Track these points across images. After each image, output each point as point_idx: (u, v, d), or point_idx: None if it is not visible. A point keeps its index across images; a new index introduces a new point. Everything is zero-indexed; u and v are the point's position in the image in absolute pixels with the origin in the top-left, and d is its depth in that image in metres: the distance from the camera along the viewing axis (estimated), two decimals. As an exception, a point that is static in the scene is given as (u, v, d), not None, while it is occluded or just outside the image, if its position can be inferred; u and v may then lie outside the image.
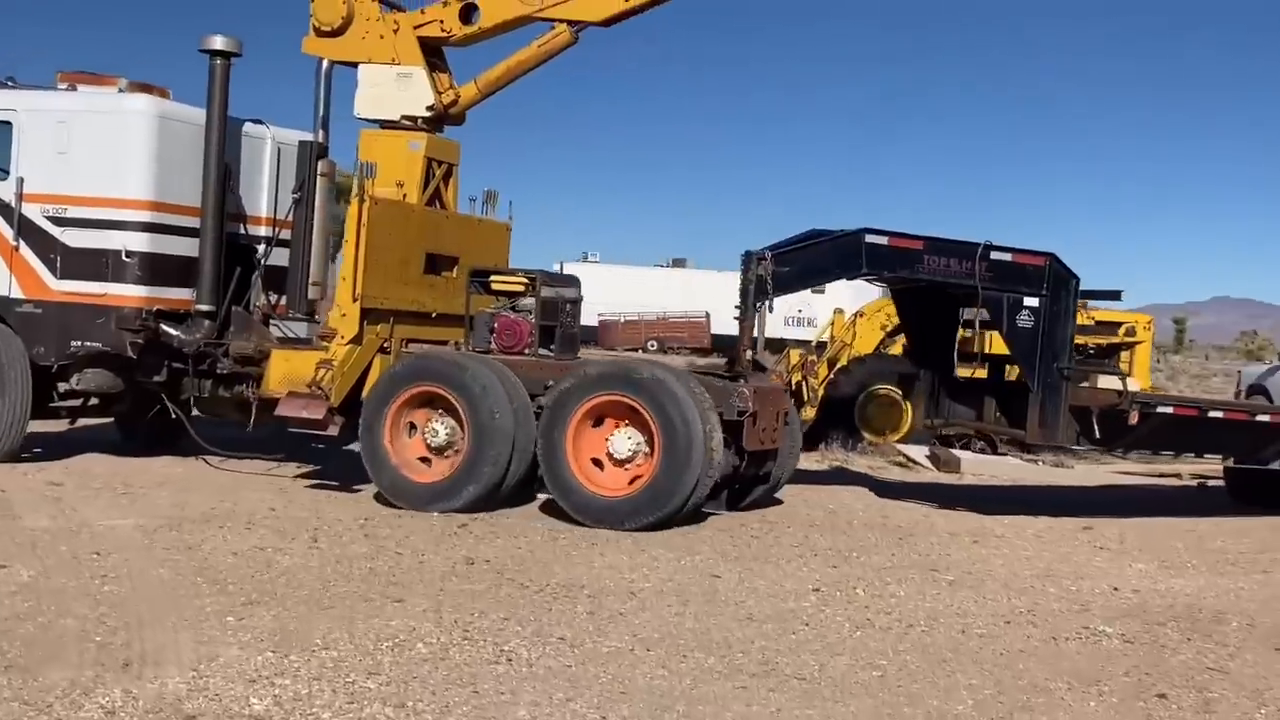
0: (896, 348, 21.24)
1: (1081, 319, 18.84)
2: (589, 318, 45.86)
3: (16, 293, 12.58)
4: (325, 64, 12.76)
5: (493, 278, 12.36)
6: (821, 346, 23.94)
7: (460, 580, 8.48)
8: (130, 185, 12.40)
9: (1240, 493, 15.43)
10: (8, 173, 12.62)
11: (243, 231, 13.25)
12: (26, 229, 12.53)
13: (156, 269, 12.48)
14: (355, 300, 11.80)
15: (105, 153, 12.41)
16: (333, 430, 11.84)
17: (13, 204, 12.54)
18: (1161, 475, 19.34)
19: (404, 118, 12.67)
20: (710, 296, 51.68)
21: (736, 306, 12.17)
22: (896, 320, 21.49)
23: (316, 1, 12.64)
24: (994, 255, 12.33)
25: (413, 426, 11.49)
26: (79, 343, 12.41)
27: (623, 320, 58.15)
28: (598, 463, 11.13)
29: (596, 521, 10.73)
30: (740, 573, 9.35)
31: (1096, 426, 12.44)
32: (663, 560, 9.59)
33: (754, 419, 11.17)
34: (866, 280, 15.04)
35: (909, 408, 19.70)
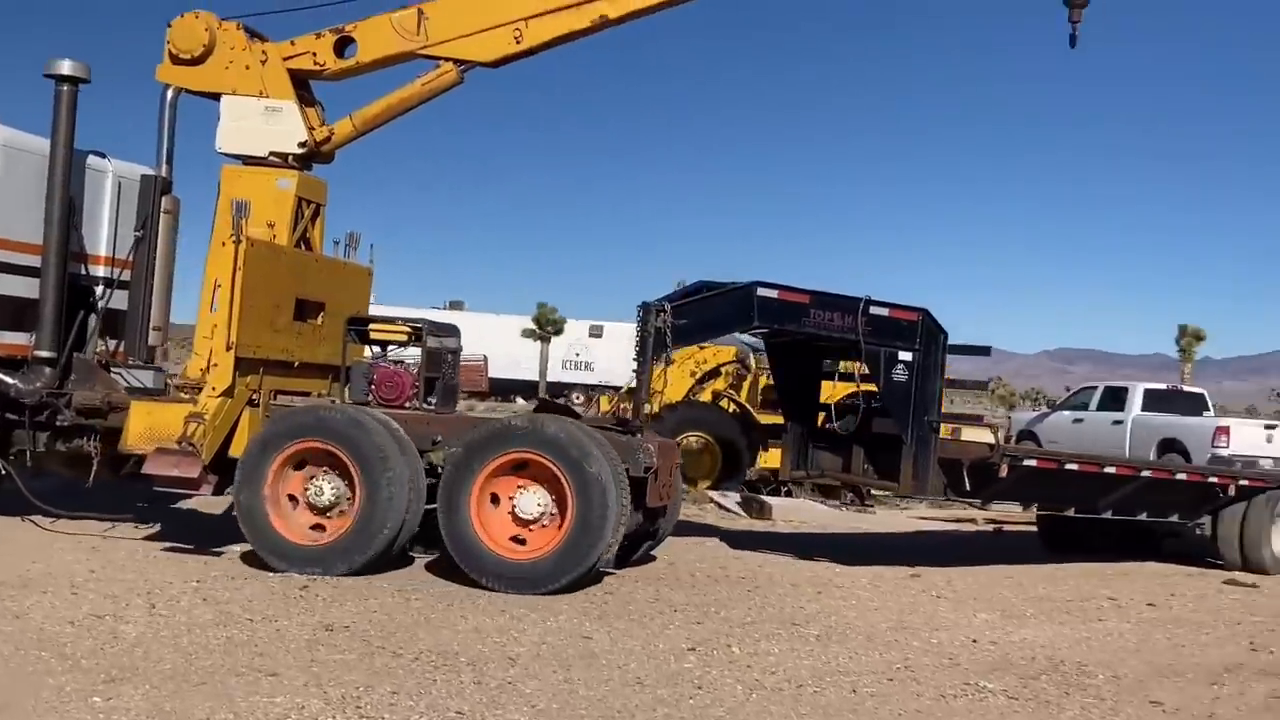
0: (706, 394, 21.42)
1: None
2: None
3: None
4: (170, 93, 11.87)
5: (371, 326, 11.74)
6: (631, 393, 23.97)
7: (328, 650, 7.93)
8: None
9: (1052, 539, 16.06)
10: None
11: (83, 272, 12.14)
12: None
13: None
14: (229, 349, 10.92)
15: None
16: (206, 489, 11.00)
17: None
18: (959, 521, 20.01)
19: (272, 154, 11.82)
20: (487, 340, 51.20)
21: (635, 359, 11.85)
22: (706, 367, 21.72)
23: (174, 27, 11.77)
24: (873, 310, 12.52)
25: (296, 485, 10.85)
26: None
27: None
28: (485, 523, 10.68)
29: (509, 587, 10.23)
30: (609, 632, 9.08)
31: (967, 478, 12.72)
32: (527, 621, 9.23)
33: (654, 475, 10.91)
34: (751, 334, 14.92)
35: (719, 454, 19.90)
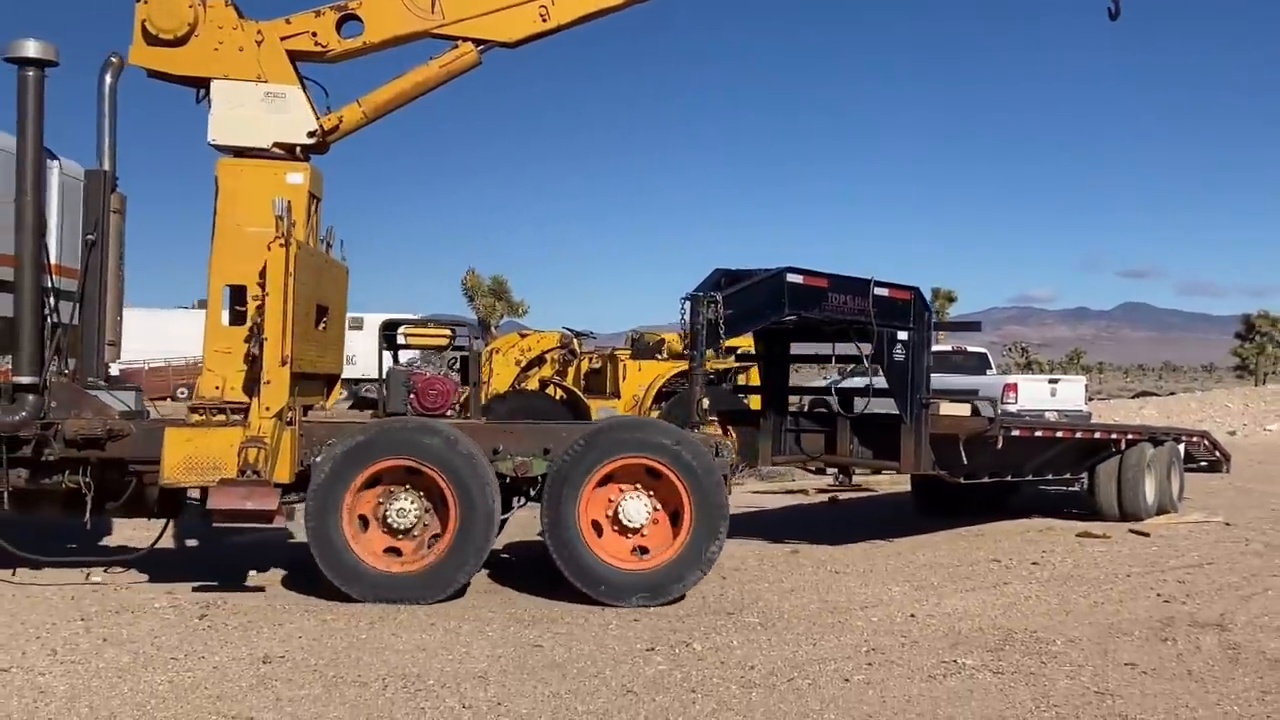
0: (533, 382, 20.91)
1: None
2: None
3: None
4: (110, 79, 10.43)
5: (405, 330, 10.70)
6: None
7: (286, 685, 7.16)
8: None
9: (925, 505, 16.40)
10: None
11: (46, 284, 10.44)
12: None
13: None
14: (284, 364, 9.72)
15: None
16: (280, 520, 9.73)
17: None
18: (789, 493, 20.17)
19: (276, 145, 10.41)
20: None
21: (689, 352, 11.11)
22: (531, 355, 21.21)
23: (150, 3, 10.19)
24: (876, 291, 12.28)
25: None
26: None
27: (147, 367, 54.13)
28: (597, 526, 10.18)
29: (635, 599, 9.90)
30: (554, 637, 8.60)
31: (964, 453, 12.74)
32: (464, 634, 8.65)
33: None
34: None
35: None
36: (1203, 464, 18.51)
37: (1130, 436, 15.91)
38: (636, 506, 10.13)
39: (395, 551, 9.92)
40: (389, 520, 9.86)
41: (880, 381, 12.76)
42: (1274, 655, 8.33)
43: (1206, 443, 18.54)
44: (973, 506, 15.96)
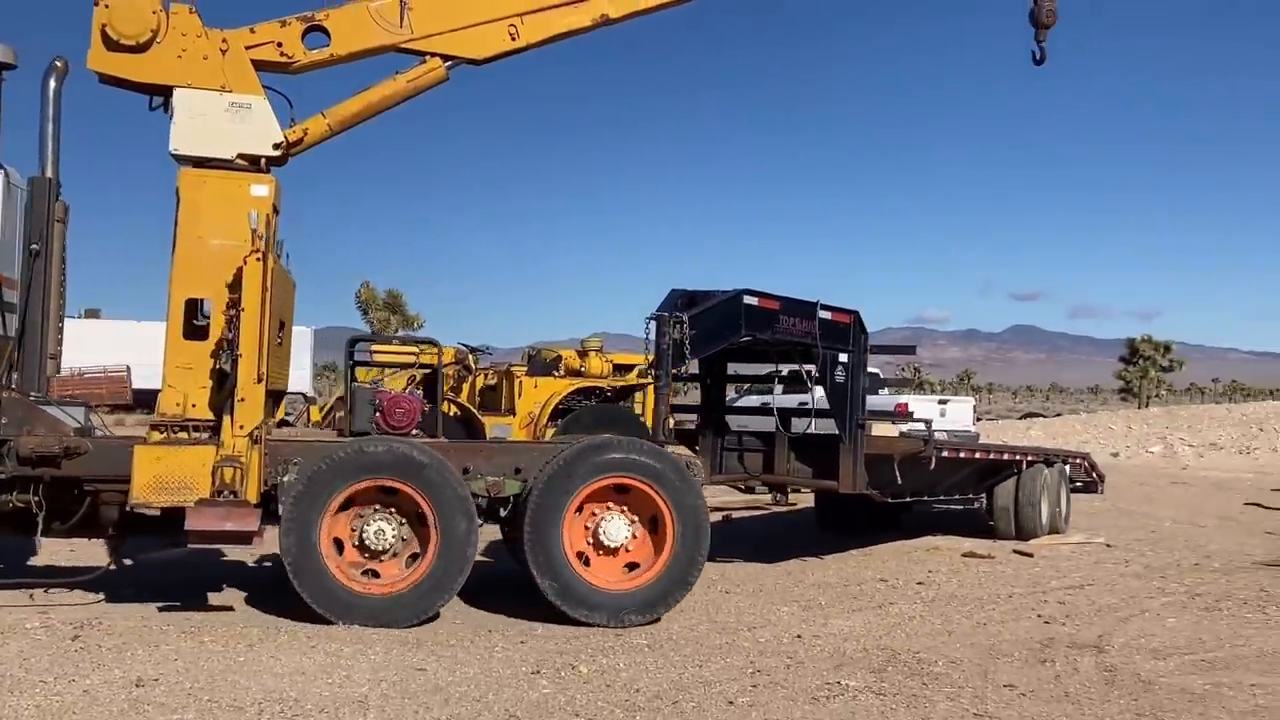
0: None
1: (599, 363, 19.38)
2: None
3: None
4: (54, 84, 10.01)
5: (373, 347, 10.42)
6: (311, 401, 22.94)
7: (158, 709, 6.93)
8: None
9: (827, 522, 16.64)
10: None
11: None
12: None
13: None
14: (259, 381, 9.51)
15: None
16: (258, 542, 9.47)
17: None
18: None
19: (240, 156, 10.17)
20: (129, 349, 47.84)
21: (652, 373, 11.16)
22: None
23: (112, 7, 9.85)
24: (821, 314, 12.44)
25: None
26: None
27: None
28: (582, 556, 10.15)
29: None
30: (439, 660, 8.47)
31: (899, 473, 12.95)
32: (346, 656, 8.49)
33: None
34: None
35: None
36: (1078, 485, 18.96)
37: (1029, 458, 16.29)
38: (617, 525, 10.17)
39: (373, 574, 9.77)
40: (366, 542, 9.72)
41: (821, 401, 13.00)
42: (1148, 677, 8.50)
43: (1086, 464, 19.00)
44: (871, 524, 16.16)
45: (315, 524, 9.52)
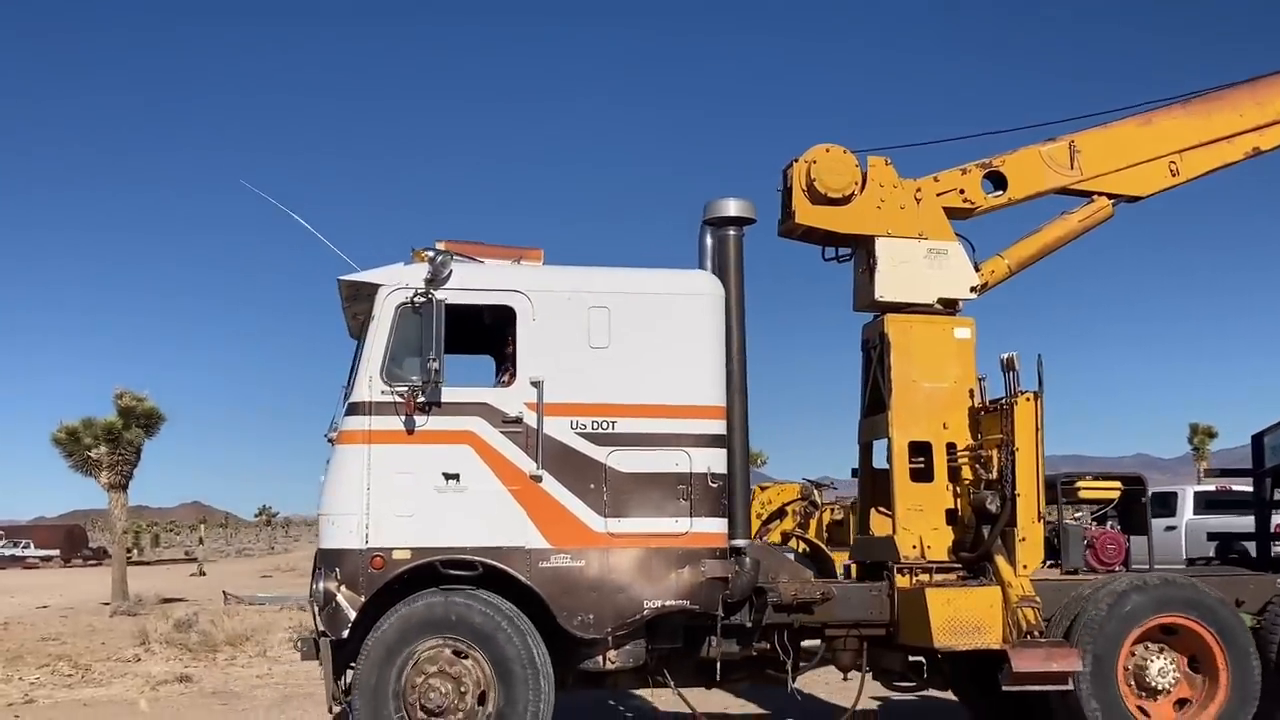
0: (774, 535, 20.62)
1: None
2: None
3: (539, 542, 9.35)
4: (711, 240, 10.42)
5: (1079, 483, 10.79)
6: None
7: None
8: (702, 388, 9.79)
9: None
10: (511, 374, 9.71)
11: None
12: (553, 453, 9.42)
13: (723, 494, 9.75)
14: (1039, 520, 9.92)
15: (667, 346, 9.77)
16: (1071, 684, 9.57)
17: (523, 416, 9.43)
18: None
19: (940, 300, 10.64)
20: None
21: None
22: (771, 508, 20.89)
23: (821, 164, 10.48)
24: None
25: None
26: (654, 601, 9.44)
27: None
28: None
29: None
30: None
31: None
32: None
33: None
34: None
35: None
36: None
37: None
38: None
39: (1143, 712, 9.80)
40: (1146, 679, 9.80)
41: None
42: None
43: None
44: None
45: (1119, 654, 9.67)
